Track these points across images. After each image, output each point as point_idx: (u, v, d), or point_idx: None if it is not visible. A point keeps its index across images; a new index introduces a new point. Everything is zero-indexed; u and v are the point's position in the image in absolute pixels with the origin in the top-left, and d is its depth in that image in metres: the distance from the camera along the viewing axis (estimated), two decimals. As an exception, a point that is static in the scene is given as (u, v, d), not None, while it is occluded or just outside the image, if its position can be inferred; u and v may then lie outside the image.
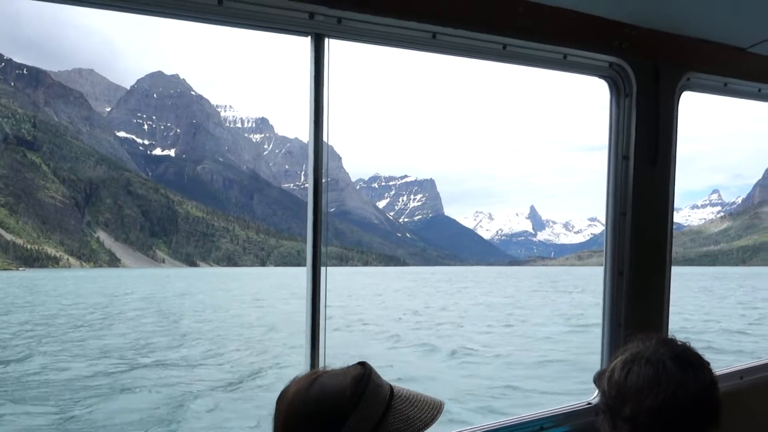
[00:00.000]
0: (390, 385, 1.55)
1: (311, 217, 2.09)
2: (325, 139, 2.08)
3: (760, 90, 3.00)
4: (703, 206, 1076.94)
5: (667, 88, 2.65)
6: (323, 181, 2.08)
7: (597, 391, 2.23)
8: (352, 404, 1.44)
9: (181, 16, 1.92)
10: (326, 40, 2.07)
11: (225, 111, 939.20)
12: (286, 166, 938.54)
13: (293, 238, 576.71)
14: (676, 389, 1.61)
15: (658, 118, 2.63)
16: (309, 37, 2.06)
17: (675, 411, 1.61)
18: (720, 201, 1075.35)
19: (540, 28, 2.34)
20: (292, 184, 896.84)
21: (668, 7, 2.40)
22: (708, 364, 1.74)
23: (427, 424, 1.50)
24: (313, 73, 2.06)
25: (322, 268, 2.09)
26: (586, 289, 75.81)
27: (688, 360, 1.69)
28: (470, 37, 2.27)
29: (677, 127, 2.71)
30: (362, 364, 1.56)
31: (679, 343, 1.76)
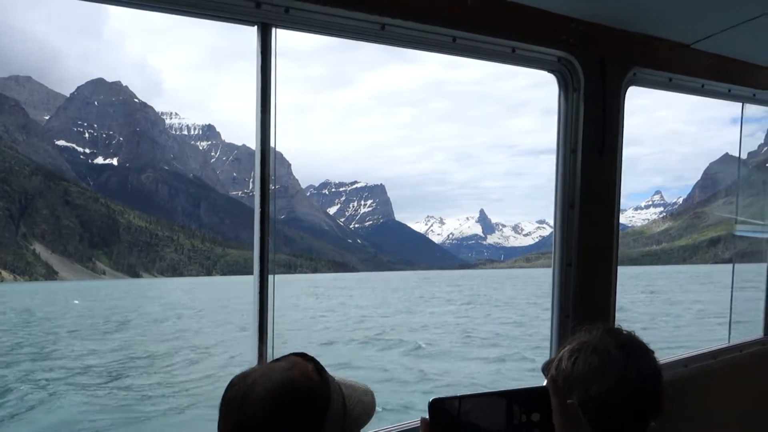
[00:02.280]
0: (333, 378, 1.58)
1: (258, 224, 2.04)
2: (272, 136, 2.01)
3: (703, 86, 3.06)
4: (647, 207, 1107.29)
5: (614, 83, 2.69)
6: (271, 187, 2.02)
7: (545, 381, 2.26)
8: (326, 393, 1.45)
9: (127, 4, 1.86)
10: (273, 30, 2.02)
11: (170, 118, 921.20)
12: (234, 174, 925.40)
13: (240, 246, 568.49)
14: (620, 377, 1.65)
15: (605, 111, 2.66)
16: (255, 27, 2.01)
17: (619, 398, 1.64)
18: (662, 202, 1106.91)
19: (489, 21, 2.34)
20: (240, 192, 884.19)
21: (615, 3, 2.43)
22: (652, 352, 1.78)
23: (373, 407, 1.57)
24: (259, 65, 2.00)
25: (270, 276, 2.04)
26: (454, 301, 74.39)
27: (633, 348, 1.73)
28: (420, 29, 2.26)
29: (623, 121, 2.76)
30: (303, 355, 1.54)
31: (624, 332, 1.80)
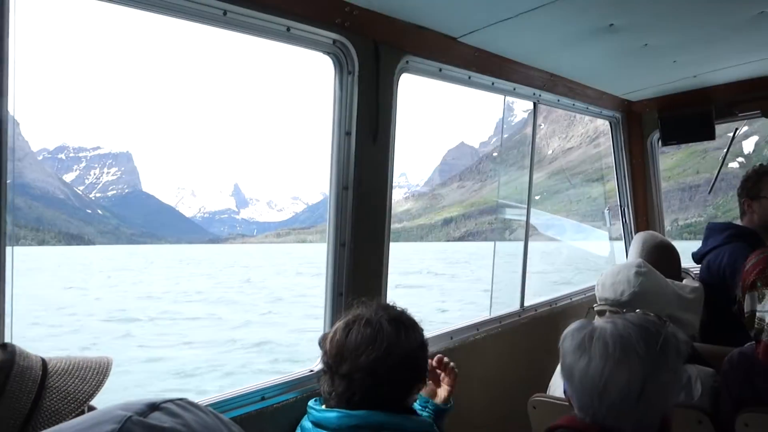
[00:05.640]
0: (43, 361, 1.39)
1: None
2: (10, 95, 1.79)
3: (470, 77, 3.27)
4: (393, 188, 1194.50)
5: (387, 69, 2.76)
6: (7, 146, 1.83)
7: (320, 359, 2.41)
8: None
9: None
10: None
11: None
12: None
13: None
14: (389, 347, 1.83)
15: (378, 96, 2.72)
16: None
17: (386, 367, 1.82)
18: (407, 183, 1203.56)
19: None
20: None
21: None
22: (421, 328, 1.98)
23: (93, 393, 1.38)
24: None
25: (8, 248, 1.82)
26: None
27: (403, 322, 1.93)
28: None
29: (396, 107, 2.84)
30: (3, 347, 1.37)
31: (397, 308, 1.99)
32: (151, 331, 31.18)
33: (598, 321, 1.75)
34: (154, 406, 0.70)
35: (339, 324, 1.95)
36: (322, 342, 2.01)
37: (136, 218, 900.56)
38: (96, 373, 1.40)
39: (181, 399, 0.74)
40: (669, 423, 1.69)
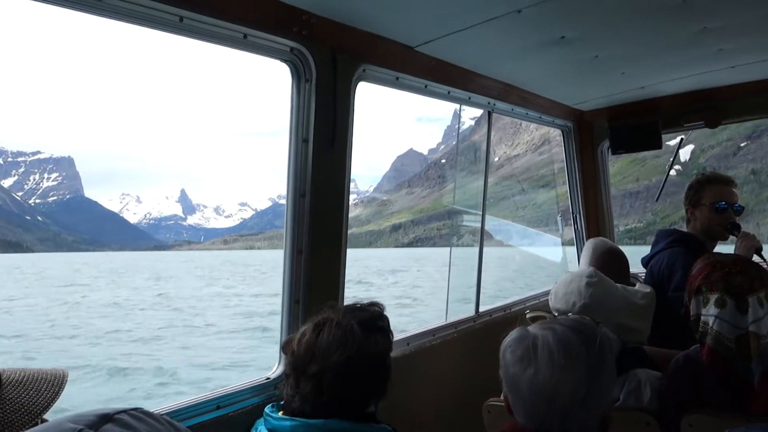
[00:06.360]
0: None
1: None
2: None
3: (426, 86, 3.29)
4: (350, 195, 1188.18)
5: (345, 77, 2.76)
6: None
7: (276, 367, 2.46)
8: None
9: None
10: None
11: None
12: None
13: None
14: (360, 349, 1.87)
15: (335, 104, 2.72)
16: None
17: (356, 367, 1.85)
18: (356, 189, 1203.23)
19: (220, 3, 2.26)
20: None
21: (345, 1, 2.49)
22: (389, 334, 2.03)
23: (48, 405, 1.34)
24: None
25: None
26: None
27: (372, 327, 1.97)
28: (143, 5, 2.08)
29: (353, 114, 2.84)
30: None
31: (365, 313, 2.02)
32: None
33: (534, 329, 1.75)
34: (106, 418, 0.70)
35: (307, 326, 1.95)
36: (287, 344, 1.99)
37: (78, 225, 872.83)
38: (51, 385, 1.37)
39: (135, 409, 0.75)
40: (608, 421, 1.74)
